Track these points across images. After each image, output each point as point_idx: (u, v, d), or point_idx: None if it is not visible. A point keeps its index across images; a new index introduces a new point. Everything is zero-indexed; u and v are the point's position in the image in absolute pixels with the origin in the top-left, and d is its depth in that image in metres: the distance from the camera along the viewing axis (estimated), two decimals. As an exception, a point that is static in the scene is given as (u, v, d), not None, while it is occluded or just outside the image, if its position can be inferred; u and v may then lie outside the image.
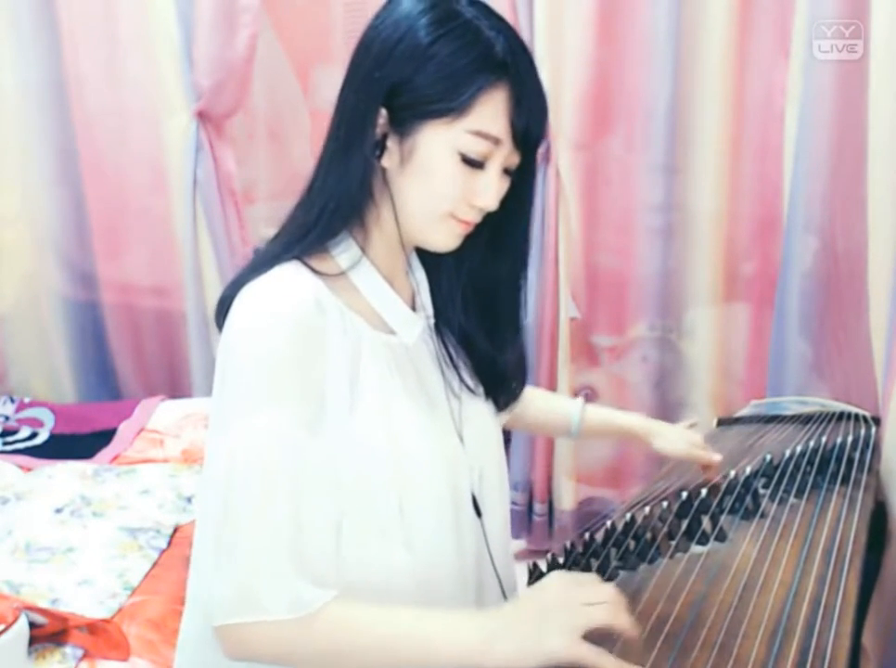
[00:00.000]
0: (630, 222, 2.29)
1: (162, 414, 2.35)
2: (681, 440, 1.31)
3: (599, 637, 0.78)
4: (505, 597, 1.05)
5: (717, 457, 1.31)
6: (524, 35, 2.11)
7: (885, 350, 1.63)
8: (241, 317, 0.88)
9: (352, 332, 0.92)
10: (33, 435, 2.29)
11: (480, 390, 1.06)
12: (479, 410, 1.05)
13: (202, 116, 2.36)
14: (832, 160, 1.90)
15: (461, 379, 1.04)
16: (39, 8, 2.36)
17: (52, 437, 2.29)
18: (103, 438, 2.25)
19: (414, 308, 1.02)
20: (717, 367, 2.33)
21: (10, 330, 2.58)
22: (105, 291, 2.58)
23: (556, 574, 0.84)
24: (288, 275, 0.91)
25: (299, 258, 0.93)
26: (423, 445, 0.95)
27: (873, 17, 1.64)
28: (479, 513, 1.02)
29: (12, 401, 2.44)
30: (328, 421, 0.88)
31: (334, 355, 0.90)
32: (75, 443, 2.24)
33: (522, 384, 1.10)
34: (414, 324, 1.00)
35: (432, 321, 1.04)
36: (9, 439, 2.26)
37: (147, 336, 2.64)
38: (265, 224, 2.78)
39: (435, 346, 1.03)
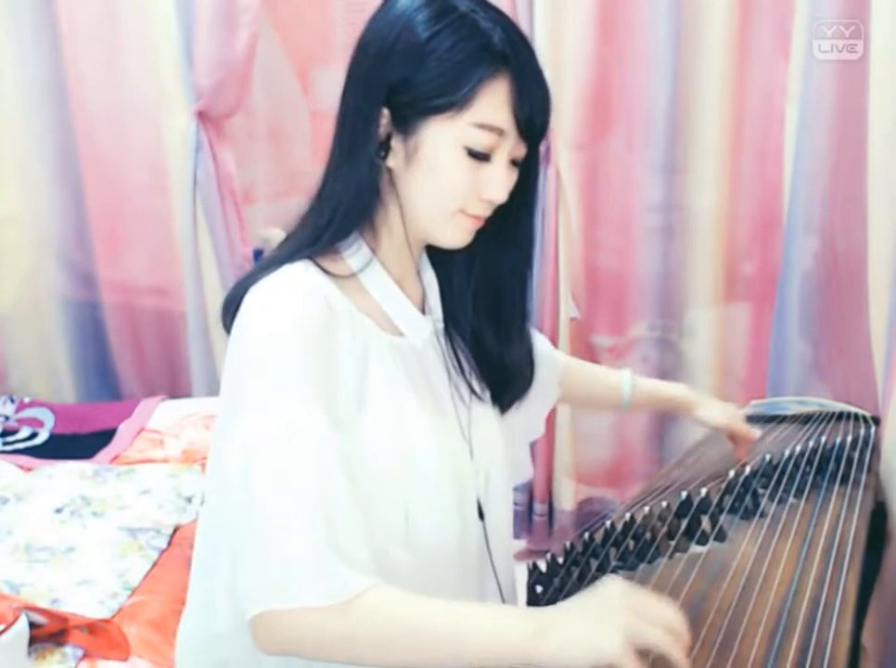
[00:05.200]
0: (630, 222, 2.29)
1: (162, 414, 2.35)
2: (724, 412, 1.35)
3: (638, 653, 0.74)
4: (503, 599, 1.05)
5: (756, 434, 1.36)
6: (524, 35, 2.11)
7: (885, 350, 1.63)
8: (254, 313, 0.88)
9: (361, 334, 0.92)
10: (33, 435, 2.29)
11: (487, 395, 1.06)
12: (484, 415, 1.05)
13: (202, 116, 2.36)
14: (832, 161, 1.90)
15: (468, 384, 1.03)
16: (39, 8, 2.36)
17: (52, 437, 2.29)
18: (103, 438, 2.25)
19: (423, 311, 1.02)
20: (717, 367, 2.33)
21: (10, 330, 2.58)
22: (105, 291, 2.58)
23: (619, 581, 0.78)
24: (298, 273, 0.90)
25: (310, 258, 0.93)
26: (430, 447, 0.95)
27: (873, 17, 1.64)
28: (481, 516, 1.01)
29: (12, 401, 2.44)
30: (338, 420, 0.87)
31: (343, 356, 0.89)
32: (75, 443, 2.24)
33: (530, 378, 1.09)
34: (423, 326, 1.00)
35: (441, 325, 1.04)
36: (9, 439, 2.26)
37: (147, 336, 2.64)
38: (265, 224, 2.79)
39: (443, 350, 1.03)
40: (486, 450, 1.03)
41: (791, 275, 2.03)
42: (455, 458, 0.98)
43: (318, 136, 2.87)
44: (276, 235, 2.71)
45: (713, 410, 1.35)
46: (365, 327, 0.93)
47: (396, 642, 0.78)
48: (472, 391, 1.04)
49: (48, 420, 2.36)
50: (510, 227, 1.00)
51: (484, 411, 1.05)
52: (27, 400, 2.46)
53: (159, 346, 2.64)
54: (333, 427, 0.85)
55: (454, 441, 0.99)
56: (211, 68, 2.31)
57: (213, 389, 2.55)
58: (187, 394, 2.58)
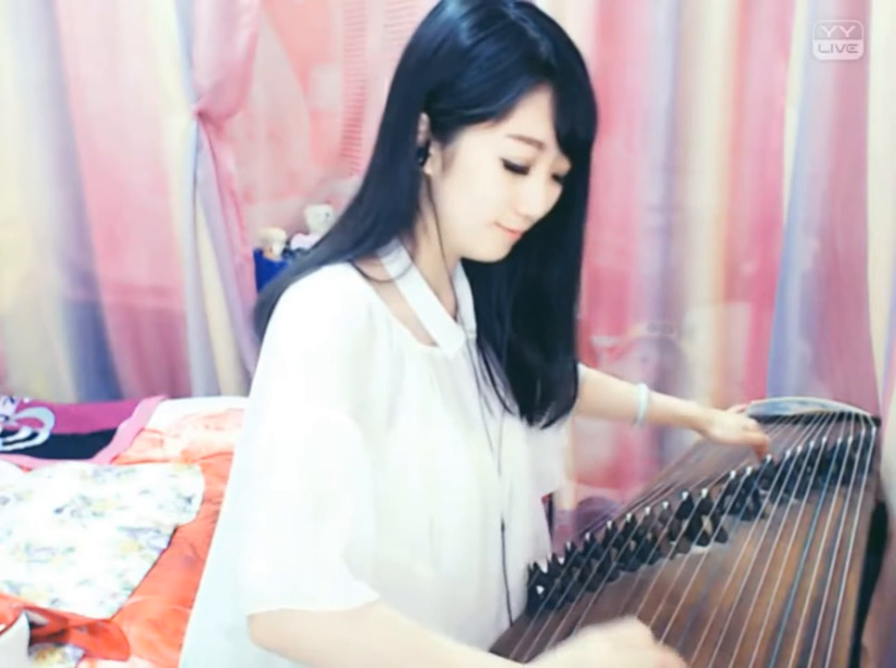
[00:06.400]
0: (630, 222, 2.29)
1: (162, 414, 2.35)
2: (736, 426, 1.36)
3: None
4: (509, 610, 1.04)
5: (767, 438, 1.38)
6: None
7: (885, 350, 1.63)
8: (292, 314, 0.85)
9: (398, 343, 0.91)
10: (33, 435, 2.29)
11: (516, 408, 1.04)
12: (512, 428, 1.04)
13: (202, 116, 2.36)
14: (832, 161, 1.90)
15: (499, 397, 1.02)
16: (39, 8, 2.37)
17: (52, 437, 2.29)
18: (103, 438, 2.25)
19: (455, 320, 1.00)
20: (717, 367, 2.33)
21: (10, 330, 2.58)
22: (105, 291, 2.59)
23: (599, 638, 0.75)
24: (339, 276, 0.89)
25: (350, 262, 0.91)
26: (459, 461, 0.93)
27: (873, 17, 1.64)
28: (502, 528, 1.01)
29: (12, 401, 2.44)
30: (368, 430, 0.84)
31: (379, 364, 0.87)
32: (75, 443, 2.24)
33: (574, 396, 1.07)
34: (456, 336, 0.98)
35: (473, 336, 1.02)
36: (9, 439, 2.26)
37: (147, 336, 2.64)
38: (265, 224, 2.79)
39: (474, 361, 1.01)
40: (513, 464, 1.02)
41: (791, 275, 2.03)
42: (483, 473, 0.96)
43: (318, 136, 2.87)
44: (277, 235, 2.72)
45: (727, 429, 1.36)
46: (402, 336, 0.92)
47: (401, 657, 0.73)
48: (503, 404, 1.02)
49: (48, 420, 2.36)
50: (555, 242, 0.97)
51: (513, 425, 1.04)
52: (27, 400, 2.46)
53: (159, 346, 2.65)
54: (363, 435, 0.81)
55: (483, 455, 0.98)
56: (211, 68, 2.31)
57: (213, 389, 2.56)
58: (187, 394, 2.58)
